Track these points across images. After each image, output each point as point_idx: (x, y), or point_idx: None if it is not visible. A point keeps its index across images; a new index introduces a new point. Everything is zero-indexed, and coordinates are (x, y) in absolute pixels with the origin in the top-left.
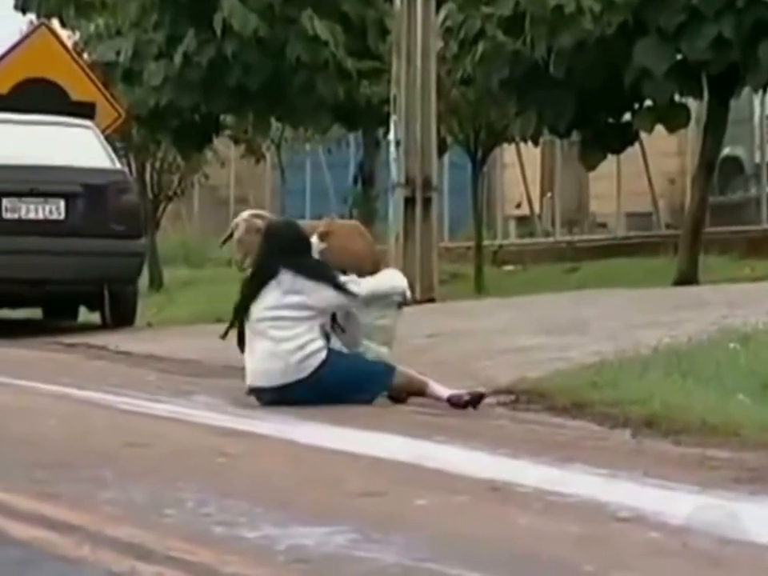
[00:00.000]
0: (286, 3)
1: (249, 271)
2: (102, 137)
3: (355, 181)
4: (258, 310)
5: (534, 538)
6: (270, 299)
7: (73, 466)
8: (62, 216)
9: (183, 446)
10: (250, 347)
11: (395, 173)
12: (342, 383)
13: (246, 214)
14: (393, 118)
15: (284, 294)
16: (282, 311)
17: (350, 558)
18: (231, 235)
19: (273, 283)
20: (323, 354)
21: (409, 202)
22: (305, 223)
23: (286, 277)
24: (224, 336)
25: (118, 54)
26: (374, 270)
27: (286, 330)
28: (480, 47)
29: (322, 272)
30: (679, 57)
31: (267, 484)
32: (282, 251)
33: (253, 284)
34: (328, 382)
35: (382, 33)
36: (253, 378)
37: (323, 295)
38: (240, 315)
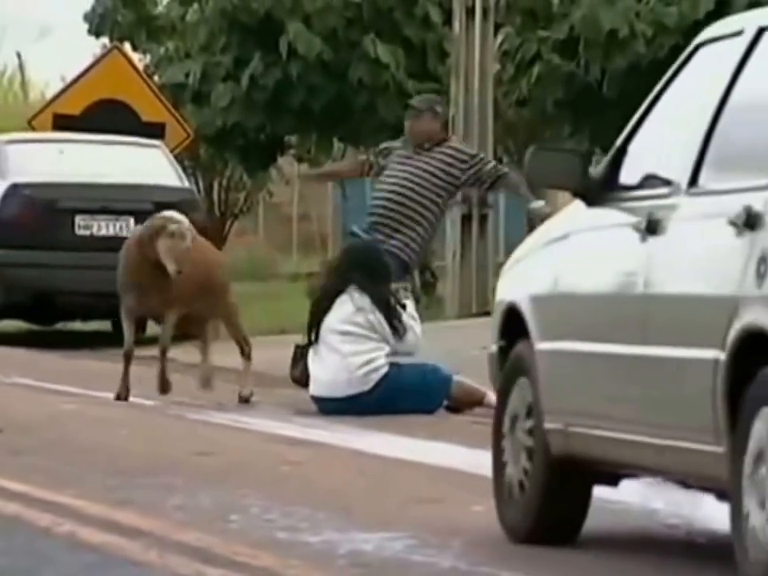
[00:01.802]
0: (349, 27)
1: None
2: (171, 156)
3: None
4: (330, 321)
5: (588, 541)
6: (341, 313)
7: (143, 474)
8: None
9: (248, 455)
10: (318, 357)
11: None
12: (403, 395)
13: (160, 221)
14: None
15: (356, 311)
16: (352, 327)
17: (407, 563)
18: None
19: (345, 297)
20: (386, 369)
21: (465, 219)
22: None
23: (358, 295)
24: (306, 347)
25: (187, 76)
26: None
27: (354, 345)
28: (536, 70)
29: (390, 311)
30: None
31: (329, 491)
32: (360, 272)
33: (325, 298)
34: (390, 395)
35: (441, 56)
36: (317, 388)
37: (387, 331)
38: (316, 327)
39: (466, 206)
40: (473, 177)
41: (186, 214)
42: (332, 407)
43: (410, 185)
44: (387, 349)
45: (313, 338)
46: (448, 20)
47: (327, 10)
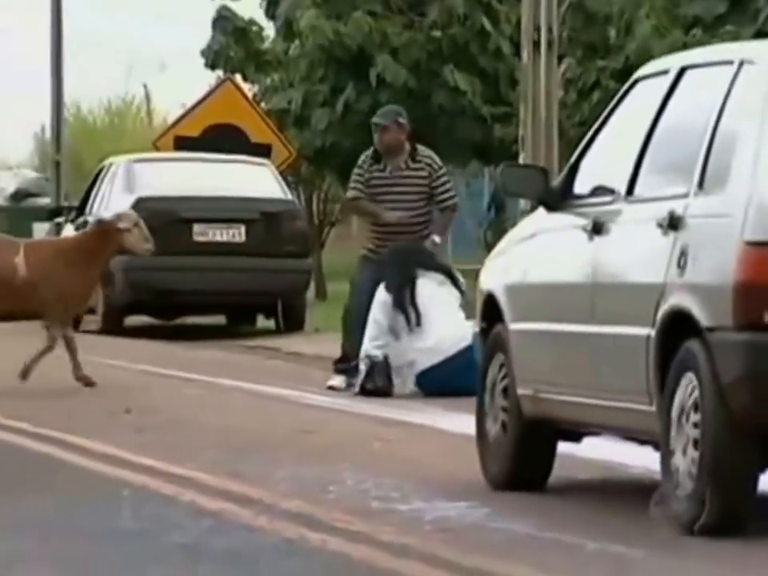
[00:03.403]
0: (431, 59)
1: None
2: (276, 173)
3: (489, 208)
4: (423, 296)
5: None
6: (429, 289)
7: (253, 450)
8: (243, 239)
9: (345, 433)
10: (417, 335)
11: (523, 201)
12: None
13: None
14: (521, 155)
15: (439, 286)
16: (445, 297)
17: (486, 529)
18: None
19: (422, 281)
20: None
21: None
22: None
23: (428, 274)
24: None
25: (289, 103)
26: None
27: (447, 315)
28: (595, 95)
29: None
30: None
31: (417, 465)
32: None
33: (405, 292)
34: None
35: (511, 83)
36: (423, 360)
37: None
38: (413, 307)
39: None
40: (436, 190)
41: (289, 223)
42: (433, 377)
43: (417, 201)
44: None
45: (413, 317)
46: (517, 52)
47: (411, 44)
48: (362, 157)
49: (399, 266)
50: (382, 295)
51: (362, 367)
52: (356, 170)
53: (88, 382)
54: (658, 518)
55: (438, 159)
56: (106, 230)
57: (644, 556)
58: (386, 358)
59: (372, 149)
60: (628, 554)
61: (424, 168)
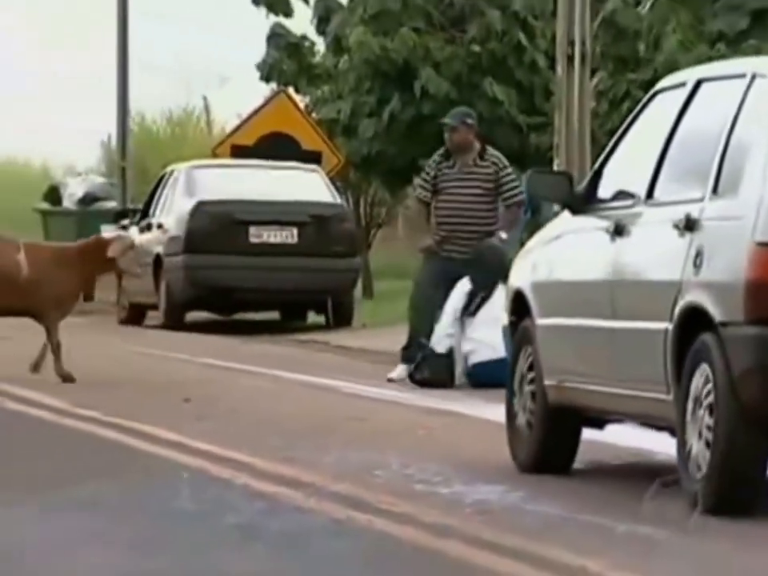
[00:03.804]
0: (471, 72)
1: None
2: (326, 178)
3: (525, 211)
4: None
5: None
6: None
7: (304, 436)
8: (295, 240)
9: (391, 421)
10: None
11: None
12: None
13: (113, 234)
14: (556, 162)
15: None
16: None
17: (523, 511)
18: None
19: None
20: None
21: None
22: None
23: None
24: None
25: (339, 113)
26: None
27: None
28: (625, 105)
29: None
30: None
31: (458, 451)
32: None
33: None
34: None
35: (546, 94)
36: (481, 354)
37: None
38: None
39: None
40: (502, 188)
41: (338, 225)
42: (485, 371)
43: (480, 198)
44: None
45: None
46: (552, 65)
47: (453, 58)
48: (433, 156)
49: (495, 266)
50: (463, 287)
51: (417, 357)
52: (425, 170)
53: (36, 369)
54: (650, 512)
55: (504, 159)
56: (101, 248)
57: (669, 537)
58: (450, 351)
59: (444, 148)
60: (654, 535)
61: (490, 166)
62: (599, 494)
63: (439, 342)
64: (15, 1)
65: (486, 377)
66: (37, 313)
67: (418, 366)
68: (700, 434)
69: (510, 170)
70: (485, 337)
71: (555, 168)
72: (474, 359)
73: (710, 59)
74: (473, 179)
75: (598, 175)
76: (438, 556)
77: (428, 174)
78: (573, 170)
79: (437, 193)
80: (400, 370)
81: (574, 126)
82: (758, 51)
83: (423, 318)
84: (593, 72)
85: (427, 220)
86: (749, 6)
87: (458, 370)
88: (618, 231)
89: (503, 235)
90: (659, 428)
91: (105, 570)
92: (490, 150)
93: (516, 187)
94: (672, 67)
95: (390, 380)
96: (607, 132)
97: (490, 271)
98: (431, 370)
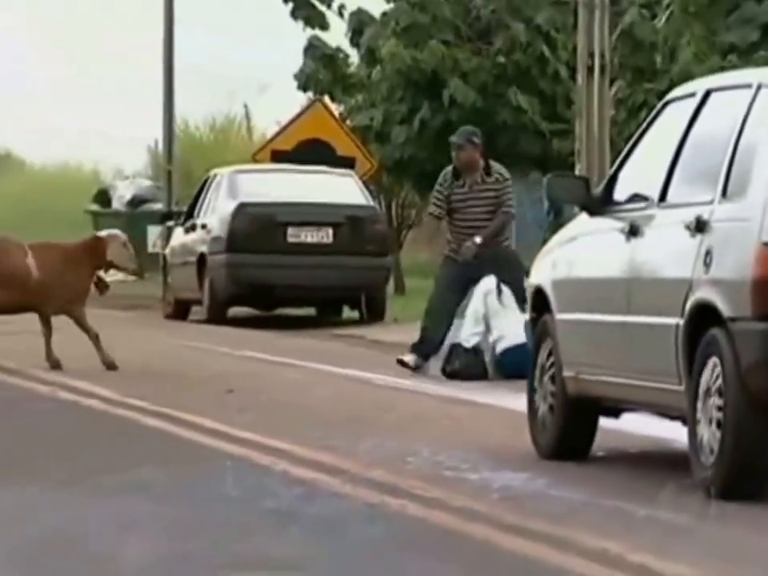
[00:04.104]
0: (497, 82)
1: None
2: (360, 182)
3: (548, 213)
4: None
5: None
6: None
7: (340, 425)
8: (331, 240)
9: (420, 411)
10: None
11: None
12: None
13: (107, 233)
14: (577, 167)
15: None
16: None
17: (546, 496)
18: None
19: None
20: None
21: None
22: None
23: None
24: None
25: (372, 120)
26: None
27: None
28: (643, 113)
29: None
30: None
31: (484, 439)
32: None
33: None
34: None
35: (567, 103)
36: (506, 342)
37: None
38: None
39: None
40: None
41: (371, 226)
42: (516, 355)
43: (489, 213)
44: None
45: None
46: (573, 76)
47: (479, 69)
48: (443, 174)
49: (513, 260)
50: (483, 288)
51: (446, 351)
52: (436, 188)
53: (55, 365)
54: (668, 498)
55: (506, 172)
56: (98, 244)
57: (688, 521)
58: (477, 346)
59: (452, 166)
60: (674, 520)
61: (495, 182)
62: (618, 480)
63: (467, 339)
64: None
65: (513, 364)
66: (42, 307)
67: (448, 359)
68: (710, 423)
69: (509, 182)
70: (508, 326)
71: (577, 172)
72: (502, 346)
73: (722, 69)
74: (482, 198)
75: (613, 179)
76: (466, 539)
77: (441, 192)
78: (593, 174)
79: (451, 211)
80: (411, 357)
81: (594, 133)
82: (767, 62)
83: (436, 321)
84: (612, 82)
85: (434, 233)
86: (760, 20)
87: (487, 361)
88: (633, 232)
89: (477, 240)
90: (672, 417)
91: (151, 551)
92: (494, 165)
93: (510, 200)
94: (687, 77)
95: (399, 360)
96: (625, 139)
97: (509, 264)
98: (461, 363)
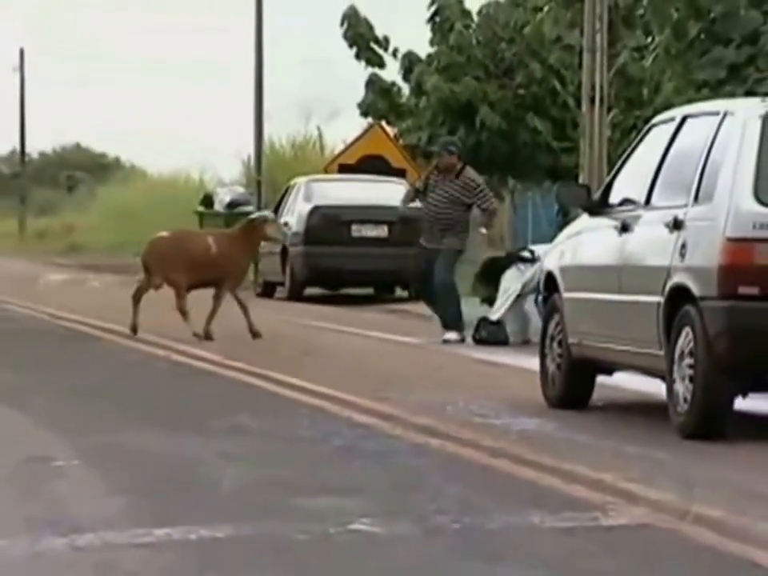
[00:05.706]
0: (518, 109)
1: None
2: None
3: (557, 214)
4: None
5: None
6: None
7: (393, 381)
8: (386, 234)
9: (458, 371)
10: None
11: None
12: None
13: (257, 215)
14: (581, 177)
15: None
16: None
17: (555, 437)
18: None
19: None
20: None
21: None
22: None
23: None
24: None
25: (419, 140)
26: None
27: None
28: (633, 135)
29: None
30: None
31: (507, 393)
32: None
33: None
34: None
35: (574, 126)
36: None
37: None
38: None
39: None
40: (475, 200)
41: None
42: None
43: (446, 203)
44: None
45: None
46: (578, 105)
47: (504, 99)
48: (431, 168)
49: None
50: (513, 271)
51: (474, 323)
52: (425, 173)
53: (256, 334)
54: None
55: (477, 179)
56: (256, 225)
57: (671, 457)
58: (500, 318)
59: (435, 165)
60: (656, 455)
61: (461, 185)
62: (612, 425)
63: (493, 313)
64: (151, 55)
65: None
66: (221, 283)
67: (477, 329)
68: (684, 379)
69: (481, 186)
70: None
71: (580, 181)
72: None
73: (696, 100)
74: (446, 190)
75: (609, 186)
76: (491, 471)
77: (426, 177)
78: (593, 183)
79: (425, 193)
80: (451, 334)
81: (595, 150)
82: (732, 95)
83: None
84: (609, 110)
85: (409, 200)
86: (727, 61)
87: (509, 330)
88: (624, 228)
89: (483, 230)
90: (654, 375)
91: (246, 477)
92: (468, 172)
93: (487, 198)
94: (668, 106)
95: (445, 341)
96: (619, 155)
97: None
98: (487, 332)
